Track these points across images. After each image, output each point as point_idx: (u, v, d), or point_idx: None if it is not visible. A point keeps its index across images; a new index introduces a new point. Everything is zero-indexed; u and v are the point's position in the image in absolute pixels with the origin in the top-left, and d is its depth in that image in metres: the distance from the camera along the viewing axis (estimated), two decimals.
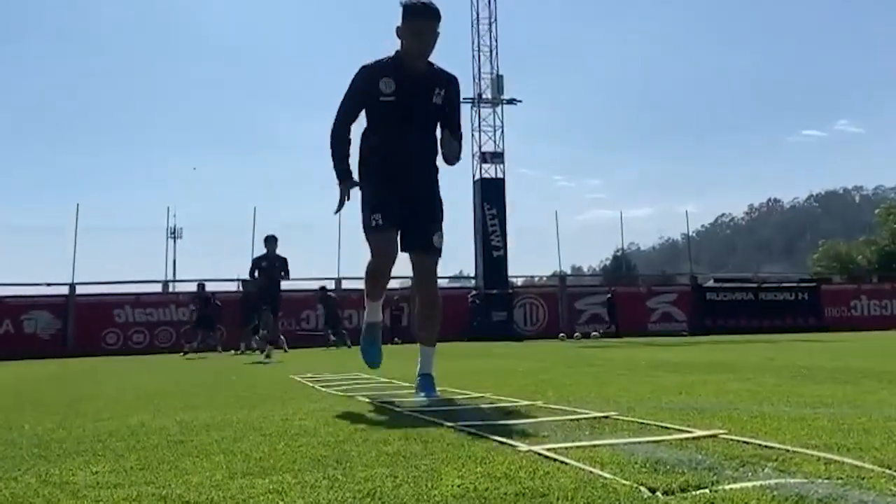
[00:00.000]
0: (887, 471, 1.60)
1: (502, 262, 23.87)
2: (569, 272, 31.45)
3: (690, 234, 33.60)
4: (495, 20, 25.03)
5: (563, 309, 24.46)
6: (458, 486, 1.58)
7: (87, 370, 9.63)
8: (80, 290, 22.14)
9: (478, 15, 25.04)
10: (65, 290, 21.97)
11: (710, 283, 27.07)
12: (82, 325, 21.13)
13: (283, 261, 11.56)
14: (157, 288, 23.31)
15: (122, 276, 24.76)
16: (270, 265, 11.44)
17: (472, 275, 25.46)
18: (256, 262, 11.72)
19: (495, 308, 23.07)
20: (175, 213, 30.27)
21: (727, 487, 1.47)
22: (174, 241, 27.51)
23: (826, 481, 1.51)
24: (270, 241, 11.54)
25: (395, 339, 21.14)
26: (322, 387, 4.76)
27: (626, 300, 24.81)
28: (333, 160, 3.72)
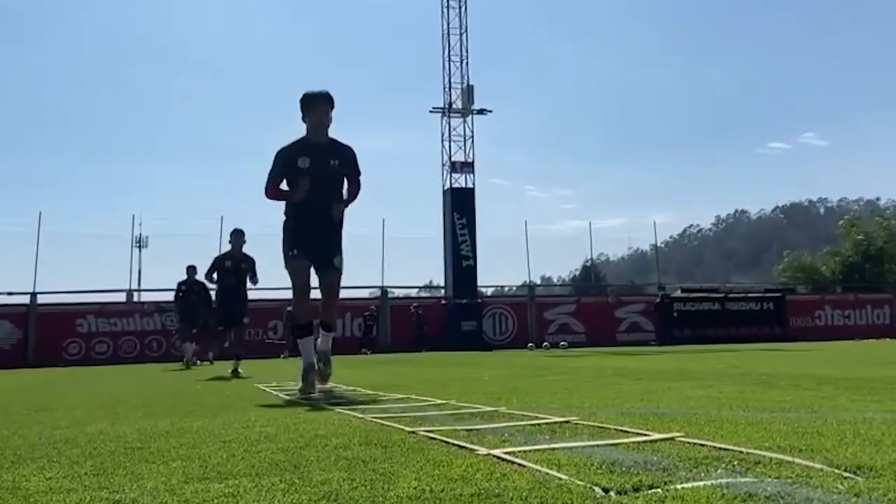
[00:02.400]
0: (835, 470, 1.64)
1: (472, 271, 23.89)
2: (538, 282, 31.60)
3: (659, 244, 33.95)
4: (466, 30, 25.16)
5: (532, 319, 24.53)
6: (415, 488, 1.58)
7: (48, 380, 9.46)
8: (41, 299, 21.71)
9: (448, 25, 25.15)
10: (26, 300, 21.55)
11: (678, 294, 27.34)
12: (43, 335, 20.72)
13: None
14: (121, 297, 22.97)
15: (86, 285, 24.42)
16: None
17: (442, 284, 25.45)
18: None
19: (464, 318, 23.07)
20: (140, 221, 29.89)
21: (679, 487, 1.49)
22: (139, 250, 27.17)
23: (776, 480, 1.54)
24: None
25: (364, 349, 21.05)
26: (286, 395, 4.74)
27: (595, 311, 24.99)
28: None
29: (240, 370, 8.86)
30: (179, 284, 14.18)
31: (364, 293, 24.64)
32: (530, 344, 21.58)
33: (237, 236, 9.52)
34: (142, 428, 2.99)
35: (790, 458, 1.78)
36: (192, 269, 13.98)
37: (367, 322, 22.34)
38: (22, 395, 6.30)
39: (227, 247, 10.11)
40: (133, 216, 26.05)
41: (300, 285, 4.97)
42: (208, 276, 9.72)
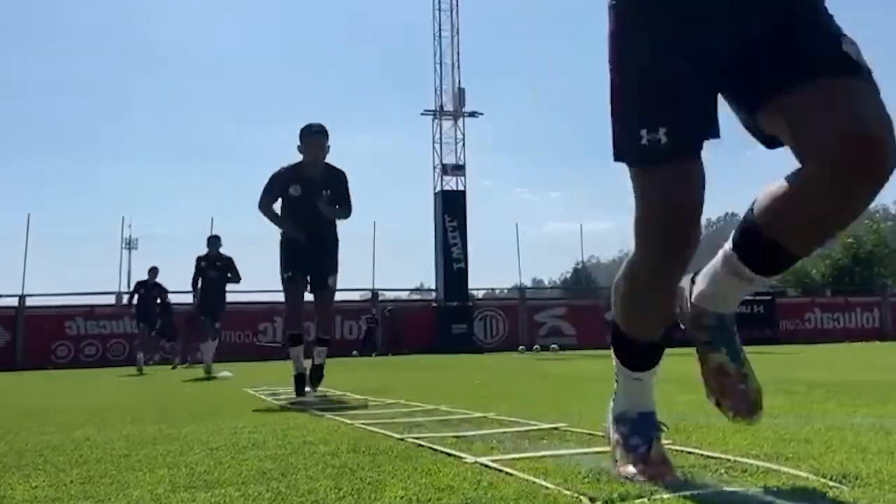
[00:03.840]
0: (822, 479, 1.64)
1: (463, 274, 23.90)
2: (529, 285, 31.64)
3: None
4: (457, 33, 25.16)
5: (523, 322, 24.54)
6: (401, 498, 1.58)
7: (36, 383, 9.40)
8: (30, 301, 21.58)
9: (440, 27, 25.16)
10: (14, 302, 21.41)
11: None
12: (32, 338, 20.59)
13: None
14: (111, 300, 22.85)
15: (75, 288, 24.29)
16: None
17: (433, 287, 25.44)
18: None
19: (455, 320, 23.06)
20: (130, 223, 29.80)
21: (665, 496, 1.50)
22: (129, 252, 27.06)
23: (762, 489, 1.54)
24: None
25: (354, 351, 21.01)
26: (276, 400, 4.72)
27: (586, 313, 25.02)
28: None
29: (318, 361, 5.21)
30: (197, 270, 11.22)
31: (357, 295, 24.62)
32: (521, 347, 21.58)
33: (315, 137, 5.16)
34: (129, 434, 2.98)
35: (776, 467, 1.79)
36: (209, 253, 11.45)
37: (368, 325, 22.13)
38: (9, 398, 6.26)
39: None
40: (123, 218, 25.97)
41: None
42: (265, 206, 5.24)
